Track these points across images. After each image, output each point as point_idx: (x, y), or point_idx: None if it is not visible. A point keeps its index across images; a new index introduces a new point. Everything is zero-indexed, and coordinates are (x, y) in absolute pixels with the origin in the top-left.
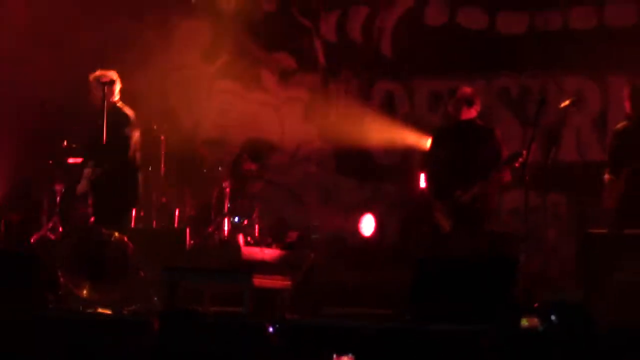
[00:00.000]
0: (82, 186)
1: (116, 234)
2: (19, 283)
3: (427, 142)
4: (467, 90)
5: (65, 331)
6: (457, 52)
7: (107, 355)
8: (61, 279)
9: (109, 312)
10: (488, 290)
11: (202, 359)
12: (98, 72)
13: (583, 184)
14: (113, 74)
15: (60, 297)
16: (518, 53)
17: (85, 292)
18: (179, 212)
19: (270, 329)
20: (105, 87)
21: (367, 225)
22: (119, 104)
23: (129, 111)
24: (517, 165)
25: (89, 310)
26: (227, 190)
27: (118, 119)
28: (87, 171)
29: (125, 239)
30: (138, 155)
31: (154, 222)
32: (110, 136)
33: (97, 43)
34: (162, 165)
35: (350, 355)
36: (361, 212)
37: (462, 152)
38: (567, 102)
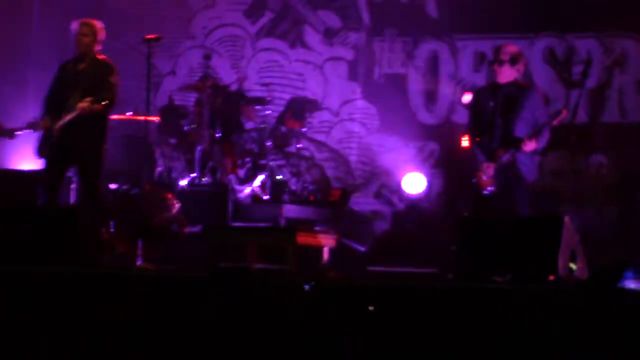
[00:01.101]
0: None
1: (164, 192)
2: (63, 238)
3: (470, 102)
4: (511, 48)
5: (111, 287)
6: (502, 12)
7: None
8: (105, 235)
9: (151, 267)
10: (533, 248)
11: (245, 317)
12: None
13: (625, 146)
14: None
15: (104, 252)
16: (564, 13)
17: (129, 248)
18: (222, 169)
19: (307, 287)
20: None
21: (412, 183)
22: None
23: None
24: (556, 124)
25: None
26: (270, 147)
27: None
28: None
29: (170, 196)
30: None
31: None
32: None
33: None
34: (207, 123)
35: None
36: (405, 171)
37: (503, 111)
38: (611, 63)
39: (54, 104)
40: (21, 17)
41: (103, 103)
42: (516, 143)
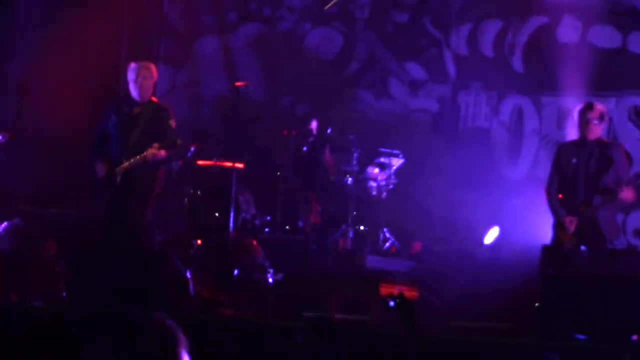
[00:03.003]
0: None
1: (249, 239)
2: (149, 281)
3: (553, 158)
4: (596, 106)
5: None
6: (587, 70)
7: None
8: (190, 280)
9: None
10: (617, 308)
11: None
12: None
13: None
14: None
15: (189, 297)
16: None
17: (212, 294)
18: (304, 218)
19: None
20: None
21: (491, 237)
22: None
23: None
24: None
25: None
26: (354, 197)
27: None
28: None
29: (255, 243)
30: None
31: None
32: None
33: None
34: (292, 171)
35: None
36: (485, 226)
37: (587, 168)
38: None
39: (112, 148)
40: None
41: (170, 149)
42: (599, 200)
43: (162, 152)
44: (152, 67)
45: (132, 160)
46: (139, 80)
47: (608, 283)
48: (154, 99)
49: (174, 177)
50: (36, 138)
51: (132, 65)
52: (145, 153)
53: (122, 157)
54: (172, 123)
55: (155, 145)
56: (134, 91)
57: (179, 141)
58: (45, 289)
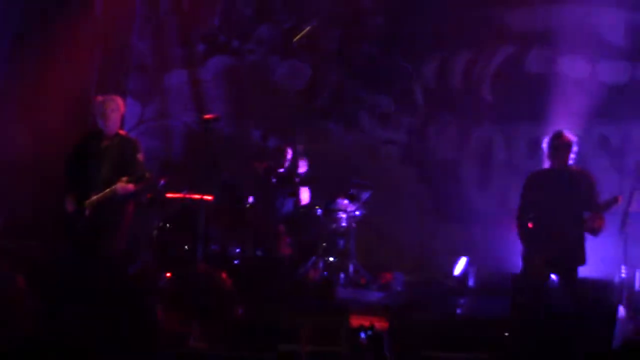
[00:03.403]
0: None
1: (218, 272)
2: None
3: (523, 186)
4: (565, 135)
5: None
6: (556, 99)
7: None
8: (160, 315)
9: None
10: (588, 338)
11: None
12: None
13: None
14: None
15: (158, 335)
16: (619, 101)
17: (182, 326)
18: (275, 247)
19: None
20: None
21: (460, 267)
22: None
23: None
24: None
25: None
26: (325, 229)
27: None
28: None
29: (224, 275)
30: None
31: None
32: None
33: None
34: (261, 202)
35: None
36: (455, 256)
37: (557, 196)
38: None
39: (79, 182)
40: None
41: (139, 183)
42: (569, 228)
43: (131, 186)
44: (119, 100)
45: (101, 194)
46: (106, 113)
47: (575, 319)
48: (121, 132)
49: (142, 209)
50: (2, 168)
51: (99, 99)
52: (114, 186)
53: (91, 190)
54: (140, 157)
55: (124, 179)
56: (101, 124)
57: (147, 174)
58: (13, 323)
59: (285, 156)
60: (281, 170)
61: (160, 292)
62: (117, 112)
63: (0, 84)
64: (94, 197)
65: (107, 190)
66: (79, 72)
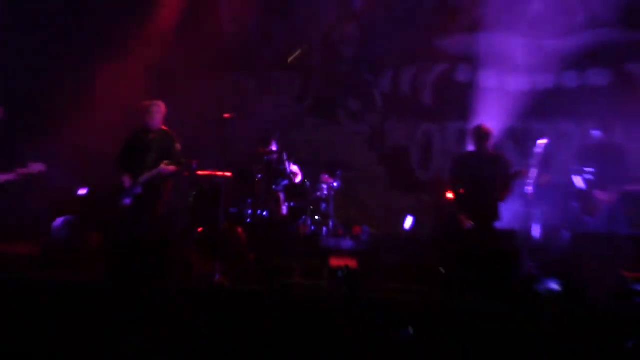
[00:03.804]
0: None
1: (236, 227)
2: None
3: (453, 165)
4: (484, 128)
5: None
6: (477, 103)
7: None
8: (193, 260)
9: (225, 282)
10: (499, 273)
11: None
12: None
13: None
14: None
15: (192, 274)
16: (521, 104)
17: (210, 267)
18: (275, 212)
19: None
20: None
21: (408, 223)
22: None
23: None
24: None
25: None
26: (312, 196)
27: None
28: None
29: (241, 229)
30: None
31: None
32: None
33: (217, 91)
34: (265, 177)
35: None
36: (405, 214)
37: (478, 172)
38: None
39: (132, 165)
40: None
41: (177, 166)
42: (489, 195)
43: (172, 167)
44: (161, 103)
45: (149, 173)
46: (152, 113)
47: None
48: (163, 127)
49: (182, 184)
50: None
51: (146, 103)
52: (159, 168)
53: (142, 171)
54: (178, 146)
55: (166, 162)
56: (148, 122)
57: (182, 160)
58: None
59: (271, 144)
60: (275, 155)
61: (194, 242)
62: (159, 113)
63: (78, 92)
64: (145, 176)
65: (154, 170)
66: (133, 82)
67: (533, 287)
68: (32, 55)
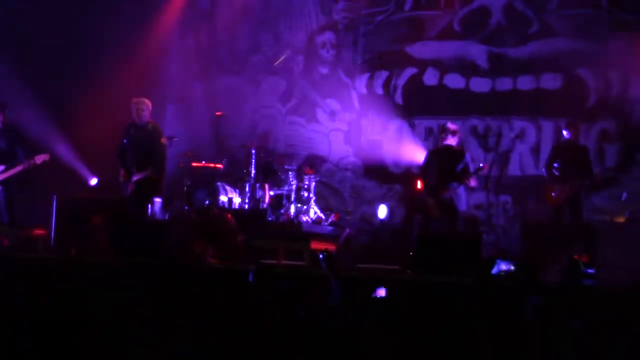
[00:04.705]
0: None
1: (227, 213)
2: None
3: (423, 159)
4: (451, 126)
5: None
6: (443, 102)
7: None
8: (188, 242)
9: (217, 263)
10: (462, 256)
11: (279, 295)
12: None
13: (523, 189)
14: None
15: (189, 254)
16: (483, 104)
17: (203, 249)
18: (262, 199)
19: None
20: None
21: (382, 211)
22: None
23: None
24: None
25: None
26: (294, 186)
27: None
28: None
29: (230, 216)
30: None
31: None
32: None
33: (211, 92)
34: (252, 169)
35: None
36: (378, 203)
37: (445, 166)
38: (515, 136)
39: (125, 160)
40: None
41: (159, 173)
42: (462, 180)
43: (154, 174)
44: (147, 101)
45: (138, 175)
46: (138, 111)
47: (456, 240)
48: (151, 121)
49: (177, 173)
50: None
51: (134, 100)
52: (146, 172)
53: (131, 166)
54: (163, 140)
55: (150, 168)
56: (135, 118)
57: (164, 163)
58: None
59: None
60: (262, 152)
61: (189, 226)
62: (146, 110)
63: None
64: (134, 177)
65: (142, 174)
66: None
67: (490, 269)
68: (44, 58)
